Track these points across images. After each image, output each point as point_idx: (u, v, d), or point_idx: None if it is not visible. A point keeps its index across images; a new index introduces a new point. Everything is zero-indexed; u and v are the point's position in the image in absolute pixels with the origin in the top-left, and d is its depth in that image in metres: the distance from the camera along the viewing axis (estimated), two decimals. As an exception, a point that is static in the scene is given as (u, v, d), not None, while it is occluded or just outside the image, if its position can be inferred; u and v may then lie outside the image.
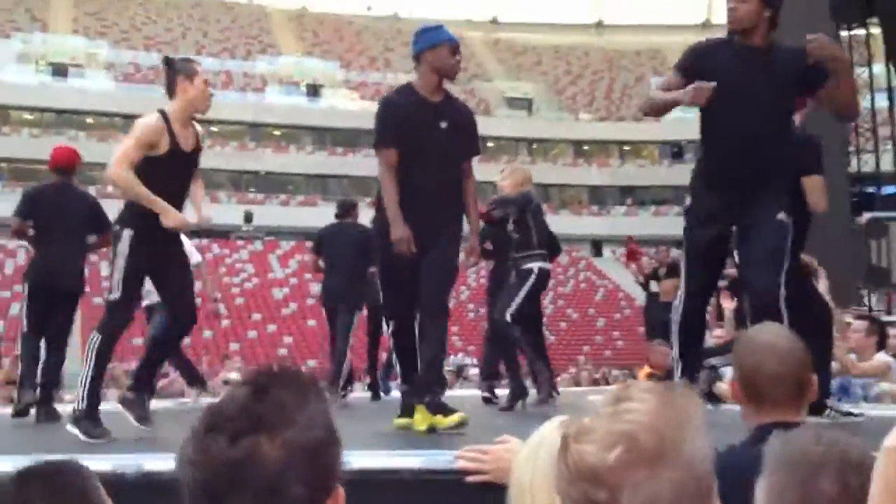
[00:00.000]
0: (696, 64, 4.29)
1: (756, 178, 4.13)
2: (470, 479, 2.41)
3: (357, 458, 2.68)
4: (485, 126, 44.60)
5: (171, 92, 4.66)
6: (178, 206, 4.68)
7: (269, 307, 36.68)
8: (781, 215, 4.09)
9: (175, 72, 4.68)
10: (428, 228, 4.36)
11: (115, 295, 4.46)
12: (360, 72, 54.73)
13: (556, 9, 59.71)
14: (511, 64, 58.54)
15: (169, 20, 56.08)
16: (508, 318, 6.06)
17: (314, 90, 51.42)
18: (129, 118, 33.41)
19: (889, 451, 1.47)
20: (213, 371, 18.34)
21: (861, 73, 19.46)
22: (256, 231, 42.80)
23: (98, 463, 2.72)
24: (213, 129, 47.61)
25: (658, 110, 4.42)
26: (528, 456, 1.66)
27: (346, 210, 8.18)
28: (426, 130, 4.47)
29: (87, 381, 4.33)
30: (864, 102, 19.74)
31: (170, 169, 4.54)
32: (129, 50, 51.18)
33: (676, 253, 18.70)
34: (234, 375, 11.17)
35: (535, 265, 6.22)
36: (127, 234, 4.50)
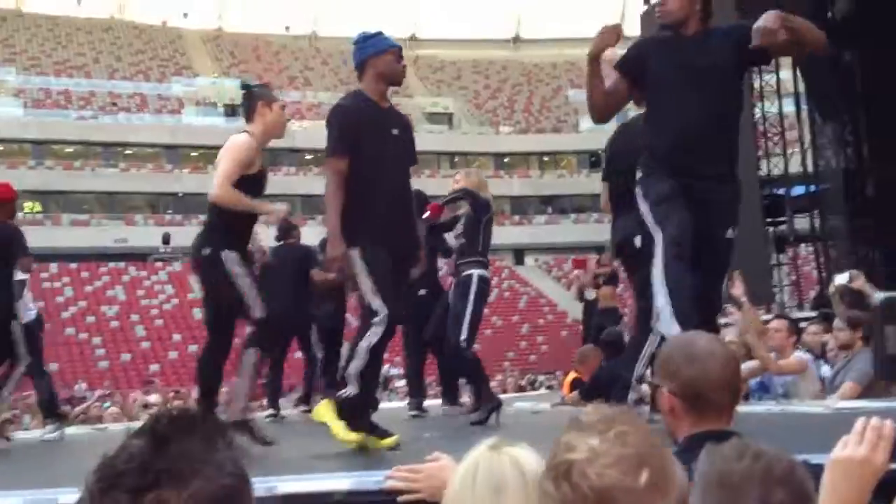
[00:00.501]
0: (631, 59, 4.33)
1: (703, 167, 4.08)
2: (401, 499, 2.36)
3: (285, 484, 2.60)
4: (406, 141, 44.16)
5: (249, 117, 4.82)
6: (254, 221, 4.99)
7: (190, 327, 36.01)
8: (730, 233, 4.13)
9: (255, 97, 4.82)
10: (406, 234, 4.38)
11: (261, 313, 4.69)
12: (278, 91, 54.06)
13: (475, 25, 60.28)
14: (431, 80, 58.81)
15: (80, 44, 54.82)
16: (463, 343, 6.03)
17: (232, 110, 50.77)
18: (40, 143, 32.63)
19: (835, 462, 1.51)
20: (131, 394, 17.90)
21: (769, 79, 20.09)
22: (175, 252, 42.03)
23: (8, 499, 2.59)
24: (128, 152, 46.73)
25: (591, 95, 4.34)
26: (465, 477, 1.60)
27: (287, 232, 8.08)
28: (382, 136, 4.36)
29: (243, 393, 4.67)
30: (773, 108, 20.37)
31: (255, 187, 4.78)
32: (39, 76, 49.86)
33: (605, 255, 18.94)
34: (154, 398, 10.91)
35: (475, 271, 6.18)
36: (231, 255, 4.66)
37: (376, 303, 4.14)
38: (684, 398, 2.12)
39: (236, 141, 4.66)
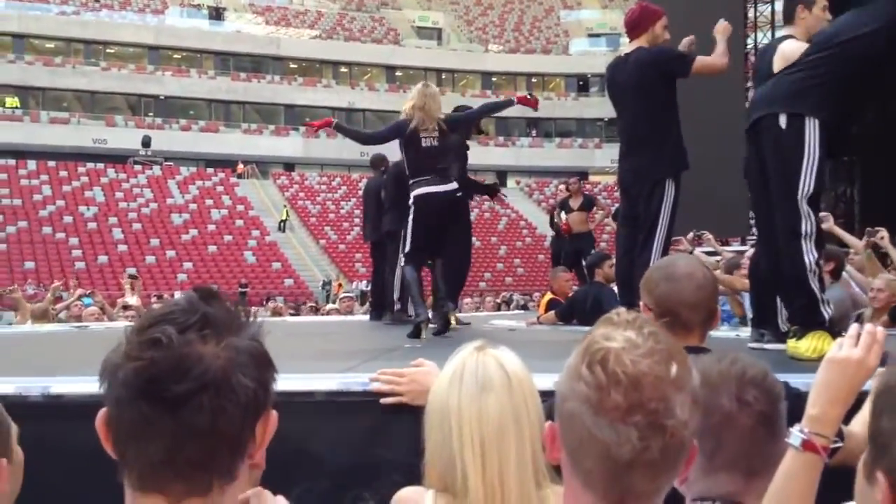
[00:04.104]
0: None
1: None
2: (385, 401, 2.44)
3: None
4: (393, 55, 44.11)
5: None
6: None
7: (168, 233, 35.94)
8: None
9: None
10: None
11: None
12: (264, -5, 53.14)
13: (467, -63, 58.85)
14: (421, -8, 57.72)
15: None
16: (401, 260, 6.16)
17: (217, 13, 49.75)
18: (20, 37, 31.75)
19: (831, 362, 1.67)
20: (111, 297, 17.95)
21: (763, 10, 19.72)
22: (155, 156, 41.62)
23: (0, 386, 2.65)
24: (110, 50, 45.80)
25: None
26: (452, 379, 1.68)
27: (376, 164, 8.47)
28: None
29: None
30: (765, 39, 20.07)
31: None
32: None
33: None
34: (134, 301, 10.87)
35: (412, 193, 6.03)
36: None
37: None
38: (657, 312, 2.27)
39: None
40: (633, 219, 5.19)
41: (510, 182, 47.56)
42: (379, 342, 5.90)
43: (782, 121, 3.87)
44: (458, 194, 6.08)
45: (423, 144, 5.91)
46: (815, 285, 3.87)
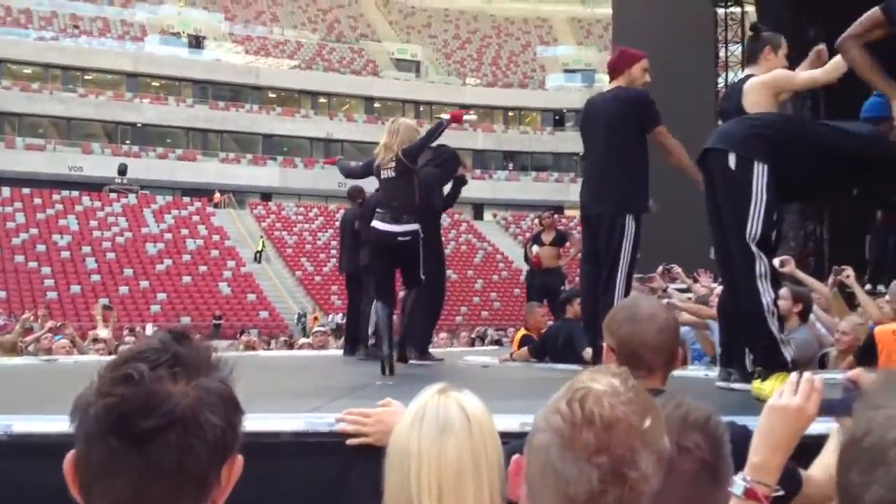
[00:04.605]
0: None
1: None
2: (351, 441, 2.44)
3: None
4: (372, 86, 44.23)
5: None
6: None
7: (143, 263, 35.66)
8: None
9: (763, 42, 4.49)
10: None
11: None
12: (245, 25, 53.30)
13: (447, -28, 59.48)
14: (401, 25, 58.14)
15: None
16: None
17: (197, 41, 49.81)
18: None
19: (772, 409, 1.73)
20: (83, 329, 17.79)
21: (734, 49, 20.17)
22: (130, 184, 41.37)
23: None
24: (88, 77, 45.69)
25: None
26: (413, 421, 1.69)
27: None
28: None
29: None
30: (736, 79, 20.47)
31: None
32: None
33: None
34: (105, 333, 10.78)
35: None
36: None
37: None
38: (620, 354, 2.28)
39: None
40: (595, 254, 5.28)
41: (487, 215, 47.74)
42: (349, 379, 5.84)
43: (731, 161, 3.91)
44: (407, 237, 5.92)
45: (382, 177, 5.98)
46: (773, 326, 3.89)
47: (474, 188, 47.08)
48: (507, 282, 39.37)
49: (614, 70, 5.32)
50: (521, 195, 47.82)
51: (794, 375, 1.79)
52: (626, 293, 5.04)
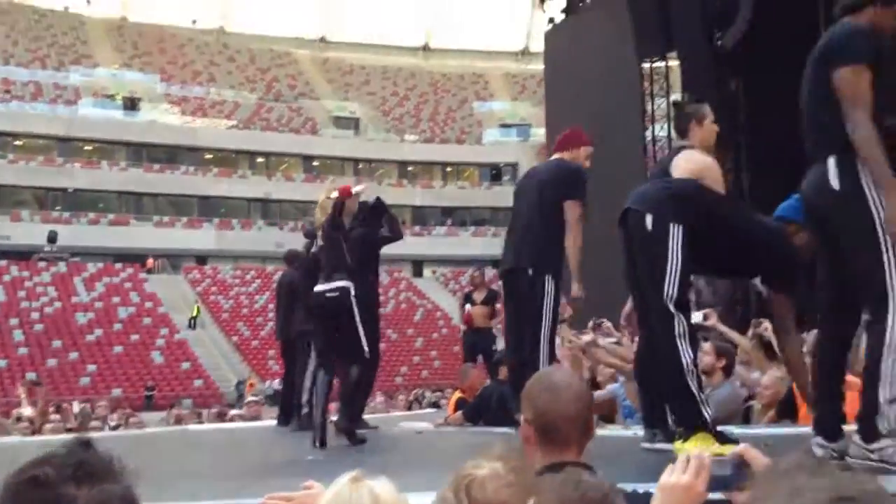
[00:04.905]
0: None
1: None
2: None
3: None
4: (311, 145, 44.24)
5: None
6: None
7: (72, 333, 34.91)
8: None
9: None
10: None
11: None
12: (181, 86, 53.14)
13: (384, 31, 60.04)
14: (339, 83, 58.44)
15: (-28, 26, 52.69)
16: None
17: (132, 103, 49.45)
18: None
19: (663, 488, 1.78)
20: (9, 405, 17.27)
21: (660, 103, 20.66)
22: (61, 252, 40.63)
23: None
24: (18, 143, 45.08)
25: None
26: None
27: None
28: None
29: None
30: (662, 131, 20.83)
31: None
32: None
33: (492, 273, 19.09)
34: (29, 412, 10.49)
35: None
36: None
37: None
38: (537, 427, 2.27)
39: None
40: (516, 312, 5.37)
41: (426, 272, 47.74)
42: (279, 454, 5.86)
43: (648, 222, 3.95)
44: (335, 293, 5.97)
45: (319, 242, 6.27)
46: (693, 385, 3.87)
47: (413, 245, 47.10)
48: (448, 339, 39.19)
49: (563, 144, 5.48)
50: (460, 250, 47.90)
51: (683, 454, 1.83)
52: (551, 355, 5.17)
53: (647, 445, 4.31)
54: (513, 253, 5.34)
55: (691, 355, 3.89)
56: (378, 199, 7.65)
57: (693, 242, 3.90)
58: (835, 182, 3.20)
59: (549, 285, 5.13)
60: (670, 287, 3.86)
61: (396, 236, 7.64)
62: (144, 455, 6.62)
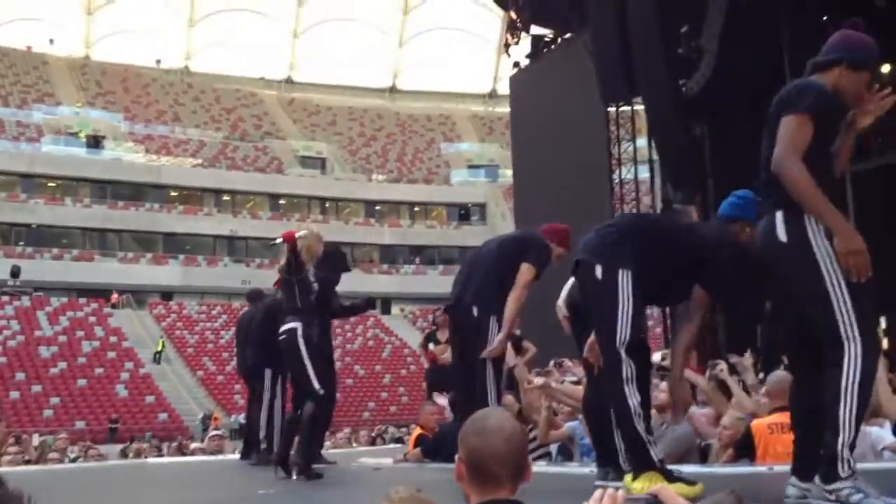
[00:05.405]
0: None
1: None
2: None
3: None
4: (277, 183, 44.24)
5: None
6: None
7: (35, 366, 34.15)
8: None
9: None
10: None
11: None
12: (145, 125, 52.87)
13: (351, 72, 60.55)
14: (305, 123, 58.61)
15: (-66, 64, 52.17)
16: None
17: (95, 141, 49.09)
18: None
19: None
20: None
21: (626, 147, 20.89)
22: (24, 286, 39.91)
23: None
24: (-20, 178, 44.45)
25: None
26: None
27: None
28: None
29: None
30: (629, 174, 21.14)
31: None
32: None
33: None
34: None
35: None
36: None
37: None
38: (469, 467, 2.30)
39: None
40: (463, 356, 5.43)
41: (394, 310, 47.55)
42: (234, 489, 5.94)
43: (598, 271, 4.08)
44: (283, 336, 6.27)
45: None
46: (640, 427, 4.02)
47: (382, 283, 47.12)
48: (416, 376, 38.96)
49: (550, 233, 5.51)
50: (428, 289, 47.81)
51: (598, 491, 1.84)
52: (498, 393, 5.29)
53: (599, 483, 4.40)
54: (459, 290, 5.43)
55: (638, 399, 4.03)
56: (371, 302, 8.09)
57: (643, 282, 4.06)
58: (782, 235, 3.34)
59: (494, 328, 5.22)
60: (623, 332, 4.01)
61: (347, 313, 8.12)
62: (95, 489, 6.70)
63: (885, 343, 13.67)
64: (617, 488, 3.93)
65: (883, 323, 13.82)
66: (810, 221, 3.27)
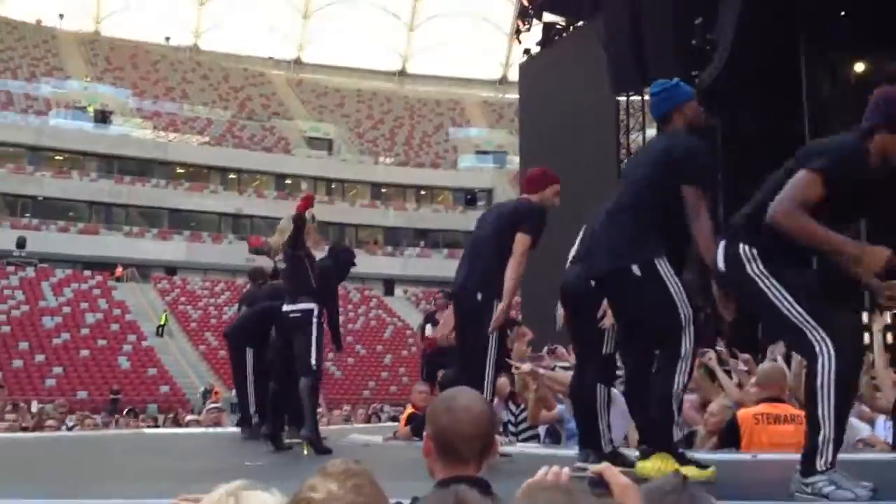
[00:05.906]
0: None
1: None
2: None
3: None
4: (284, 163, 44.24)
5: None
6: None
7: (39, 336, 34.28)
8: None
9: None
10: None
11: None
12: (153, 101, 52.86)
13: (361, 54, 60.47)
14: (314, 104, 58.54)
15: (-57, 36, 52.17)
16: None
17: (103, 116, 49.12)
18: None
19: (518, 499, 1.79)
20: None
21: (635, 137, 20.80)
22: (30, 257, 40.04)
23: None
24: (-13, 149, 44.54)
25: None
26: None
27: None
28: None
29: None
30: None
31: None
32: None
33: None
34: None
35: None
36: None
37: None
38: (436, 444, 2.39)
39: None
40: (465, 341, 5.43)
41: (398, 291, 47.61)
42: (220, 459, 6.02)
43: (636, 270, 4.06)
44: (298, 314, 6.42)
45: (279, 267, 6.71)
46: (675, 407, 4.05)
47: (385, 264, 47.17)
48: (416, 357, 38.98)
49: (531, 185, 5.49)
50: (432, 272, 47.85)
51: (543, 468, 1.91)
52: (494, 379, 5.31)
53: (579, 465, 4.44)
54: (463, 276, 5.42)
55: (685, 380, 4.08)
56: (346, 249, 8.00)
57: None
58: (721, 264, 3.54)
59: (497, 306, 5.22)
60: (683, 311, 4.07)
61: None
62: (88, 455, 6.81)
63: (889, 338, 13.72)
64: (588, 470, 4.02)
65: (888, 319, 13.81)
66: (743, 248, 3.42)
